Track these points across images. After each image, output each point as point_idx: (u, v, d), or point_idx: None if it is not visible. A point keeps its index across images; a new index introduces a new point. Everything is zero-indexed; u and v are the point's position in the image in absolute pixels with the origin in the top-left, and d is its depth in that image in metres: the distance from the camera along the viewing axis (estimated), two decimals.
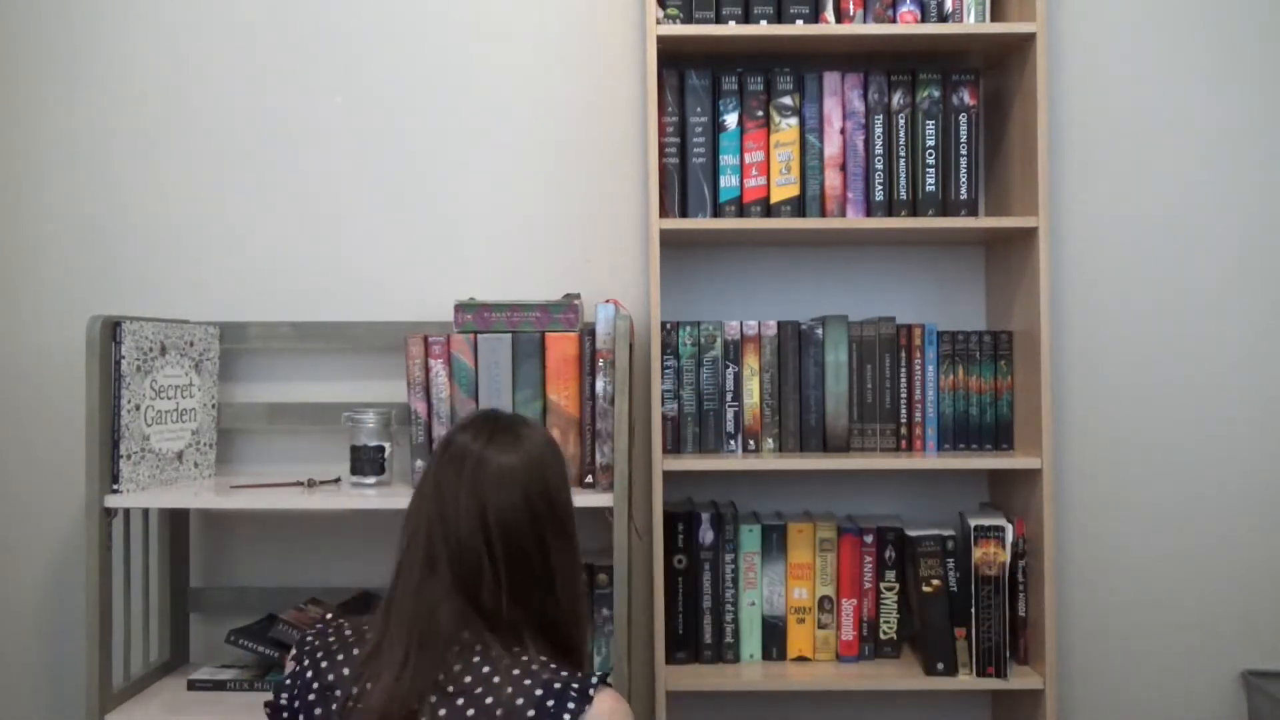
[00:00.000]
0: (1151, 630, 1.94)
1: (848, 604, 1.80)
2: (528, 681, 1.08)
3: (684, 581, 1.80)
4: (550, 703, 1.07)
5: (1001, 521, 1.72)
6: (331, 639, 1.19)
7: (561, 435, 1.69)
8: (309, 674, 1.16)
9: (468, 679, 1.10)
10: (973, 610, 1.72)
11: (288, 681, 1.17)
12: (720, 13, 1.76)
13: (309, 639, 1.20)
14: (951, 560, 1.75)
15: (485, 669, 1.10)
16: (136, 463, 1.67)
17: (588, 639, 1.21)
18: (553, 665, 1.11)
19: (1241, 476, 1.94)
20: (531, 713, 1.06)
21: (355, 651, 1.16)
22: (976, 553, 1.72)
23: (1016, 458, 1.73)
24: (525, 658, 1.11)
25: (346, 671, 1.14)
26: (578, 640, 1.19)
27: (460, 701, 1.08)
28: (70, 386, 1.98)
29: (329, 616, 1.22)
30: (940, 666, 1.73)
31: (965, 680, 1.72)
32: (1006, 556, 1.72)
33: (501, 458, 1.16)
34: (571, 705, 1.07)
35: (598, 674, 1.13)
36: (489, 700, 1.07)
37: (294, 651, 1.20)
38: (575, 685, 1.08)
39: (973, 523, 1.72)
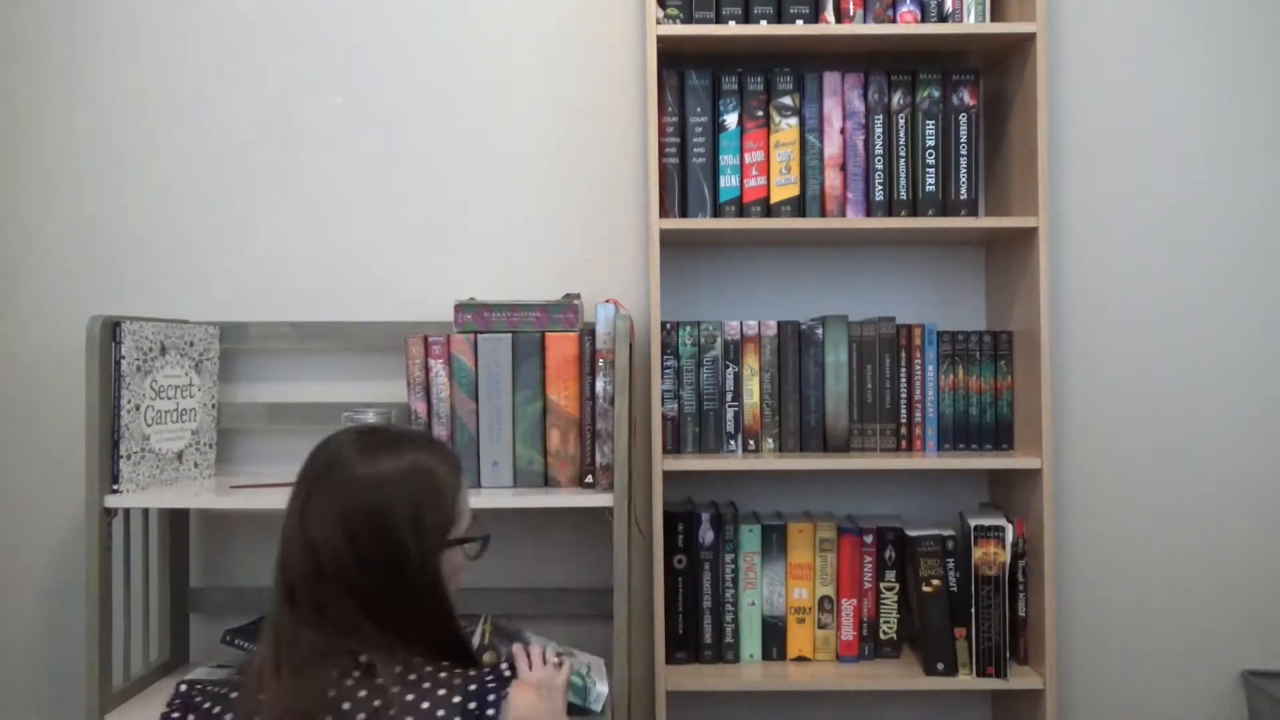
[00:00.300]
0: (1151, 630, 1.94)
1: (848, 604, 1.80)
2: (442, 691, 1.06)
3: (684, 581, 1.80)
4: (473, 704, 1.06)
5: (1001, 521, 1.72)
6: (205, 704, 1.13)
7: (561, 435, 1.69)
8: None
9: (363, 694, 1.05)
10: (973, 610, 1.72)
11: None
12: (720, 13, 1.76)
13: (174, 715, 1.13)
14: (951, 560, 1.75)
15: (379, 681, 1.06)
16: (136, 463, 1.67)
17: (467, 649, 1.18)
18: (455, 669, 1.10)
19: (1241, 476, 1.94)
20: (458, 718, 1.05)
21: (233, 697, 1.11)
22: (976, 553, 1.72)
23: (1016, 458, 1.73)
24: (429, 668, 1.09)
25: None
26: (460, 638, 1.16)
27: (361, 717, 1.04)
28: (70, 386, 1.98)
29: (182, 688, 1.15)
30: (940, 666, 1.73)
31: (965, 680, 1.72)
32: (1006, 556, 1.72)
33: (329, 486, 1.12)
34: (492, 698, 1.07)
35: (505, 665, 1.12)
36: (392, 712, 1.04)
37: None
38: (490, 679, 1.09)
39: (973, 523, 1.72)
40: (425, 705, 1.05)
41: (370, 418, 1.72)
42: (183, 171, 1.98)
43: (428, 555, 1.14)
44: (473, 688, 1.07)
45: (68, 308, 1.98)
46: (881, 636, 1.81)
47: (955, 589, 1.75)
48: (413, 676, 1.07)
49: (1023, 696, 1.78)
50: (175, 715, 1.12)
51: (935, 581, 1.75)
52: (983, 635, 1.72)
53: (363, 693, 1.05)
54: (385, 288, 1.97)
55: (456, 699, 1.06)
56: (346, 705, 1.05)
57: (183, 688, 1.15)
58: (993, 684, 1.72)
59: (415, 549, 1.12)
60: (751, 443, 1.80)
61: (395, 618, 1.11)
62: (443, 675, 1.08)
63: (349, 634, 1.09)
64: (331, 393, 1.96)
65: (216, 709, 1.11)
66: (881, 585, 1.81)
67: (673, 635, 1.79)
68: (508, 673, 1.11)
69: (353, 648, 1.09)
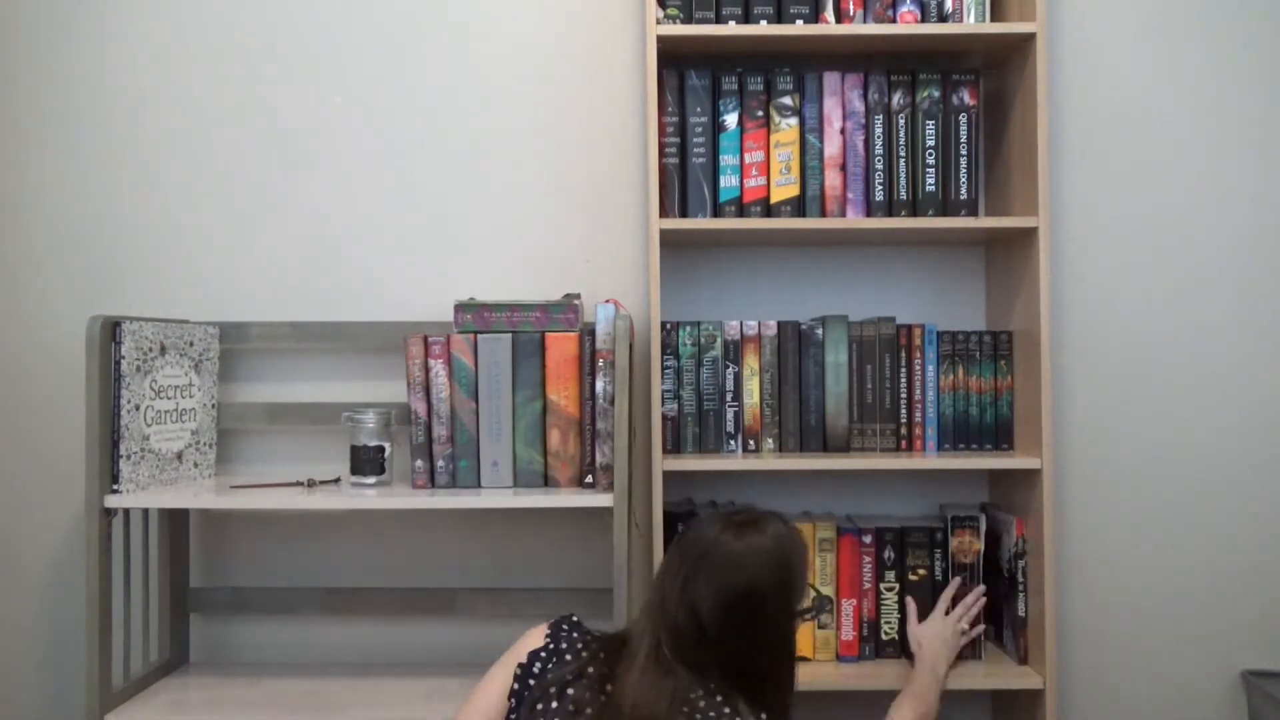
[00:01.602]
0: (1151, 630, 1.94)
1: (847, 604, 1.80)
2: None
3: None
4: None
5: (975, 512, 1.77)
6: (580, 645, 1.31)
7: (561, 435, 1.69)
8: (569, 656, 1.29)
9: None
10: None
11: (544, 652, 1.30)
12: (720, 13, 1.76)
13: (564, 628, 1.34)
14: (939, 551, 1.79)
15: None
16: (136, 463, 1.67)
17: (791, 705, 1.32)
18: None
19: (1242, 476, 1.94)
20: None
21: (590, 669, 1.27)
22: (953, 542, 1.76)
23: (1016, 458, 1.73)
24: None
25: (587, 694, 1.25)
26: (787, 704, 1.30)
27: None
28: (70, 386, 1.98)
29: (573, 618, 1.35)
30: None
31: (967, 680, 1.72)
32: (981, 545, 1.77)
33: (720, 555, 1.25)
34: None
35: None
36: None
37: (549, 630, 1.33)
38: None
39: (949, 514, 1.78)
40: None
41: (370, 418, 1.72)
42: (183, 172, 1.98)
43: (790, 623, 1.29)
44: None
45: (68, 308, 1.98)
46: (883, 637, 1.81)
47: (939, 577, 1.79)
48: None
49: (1023, 696, 1.78)
50: (564, 627, 1.34)
51: (921, 571, 1.78)
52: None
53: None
54: (385, 288, 1.97)
55: None
56: None
57: (572, 619, 1.37)
58: (993, 684, 1.71)
59: (781, 618, 1.28)
60: (751, 443, 1.80)
61: (747, 678, 1.25)
62: None
63: (712, 681, 1.24)
64: (331, 393, 1.96)
65: (575, 654, 1.30)
66: (882, 586, 1.81)
67: None
68: None
69: (702, 692, 1.22)
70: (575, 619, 1.37)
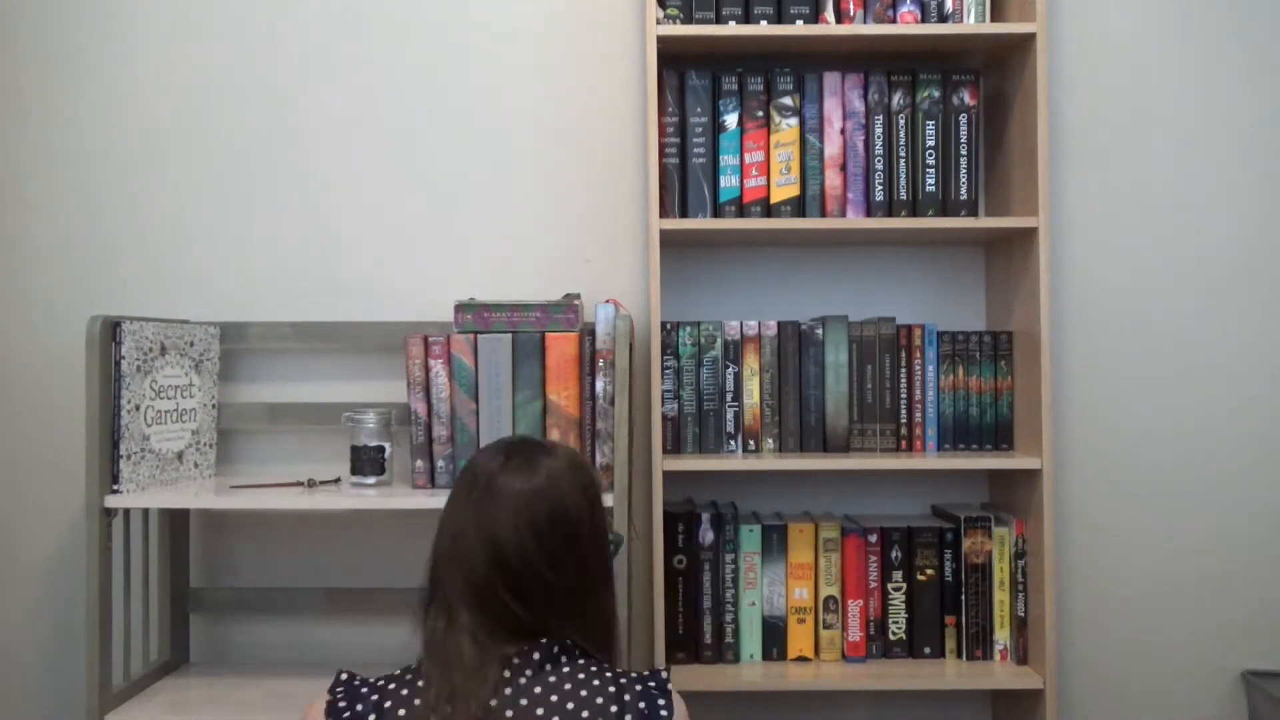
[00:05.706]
0: (1151, 630, 1.94)
1: (854, 604, 1.80)
2: (612, 688, 1.11)
3: (684, 581, 1.80)
4: (642, 704, 1.11)
5: (986, 513, 1.73)
6: (370, 694, 1.13)
7: (561, 435, 1.69)
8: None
9: (538, 689, 1.09)
10: (962, 598, 1.78)
11: None
12: (720, 13, 1.76)
13: (341, 703, 1.12)
14: (949, 551, 1.80)
15: (553, 679, 1.10)
16: (136, 463, 1.67)
17: (620, 643, 1.23)
18: (617, 669, 1.14)
19: (1241, 476, 1.94)
20: (614, 708, 1.09)
21: (416, 702, 1.11)
22: (966, 543, 1.74)
23: (1016, 458, 1.73)
24: (582, 661, 1.13)
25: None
26: (612, 647, 1.21)
27: (539, 712, 1.08)
28: (70, 386, 1.98)
29: (344, 677, 1.16)
30: (927, 650, 1.80)
31: (971, 679, 1.72)
32: (993, 546, 1.74)
33: (513, 484, 1.15)
34: (662, 702, 1.12)
35: (664, 670, 1.16)
36: (570, 706, 1.08)
37: (330, 701, 1.13)
38: (654, 684, 1.13)
39: (962, 515, 1.74)
40: (586, 695, 1.10)
41: (370, 418, 1.72)
42: (183, 171, 1.98)
43: (601, 540, 1.20)
44: (639, 687, 1.12)
45: (68, 308, 1.98)
46: (890, 637, 1.81)
47: (949, 578, 1.80)
48: (583, 675, 1.11)
49: (1023, 696, 1.78)
50: (342, 703, 1.12)
51: (930, 571, 1.78)
52: (970, 621, 1.79)
53: (537, 688, 1.10)
54: (385, 288, 1.97)
55: (626, 696, 1.11)
56: (524, 701, 1.08)
57: (344, 676, 1.15)
58: (994, 683, 1.72)
59: (591, 534, 1.18)
60: (751, 443, 1.80)
61: (573, 610, 1.15)
62: (606, 671, 1.12)
63: (520, 637, 1.13)
64: (331, 393, 1.96)
65: (386, 702, 1.11)
66: (889, 586, 1.81)
67: (673, 635, 1.79)
68: (665, 674, 1.15)
69: (520, 650, 1.12)
70: (345, 684, 1.15)
